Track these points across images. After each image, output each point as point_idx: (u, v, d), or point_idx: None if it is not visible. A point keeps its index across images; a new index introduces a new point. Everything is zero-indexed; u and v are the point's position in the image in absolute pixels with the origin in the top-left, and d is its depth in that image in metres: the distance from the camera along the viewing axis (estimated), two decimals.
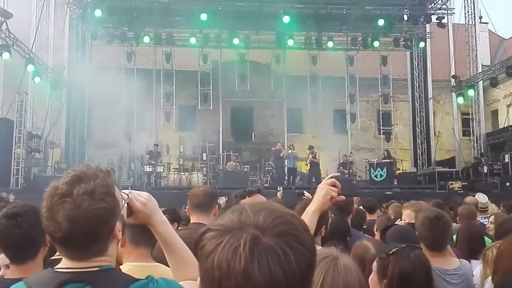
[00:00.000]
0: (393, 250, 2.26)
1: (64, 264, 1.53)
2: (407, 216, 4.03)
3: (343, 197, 1.92)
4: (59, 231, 1.44)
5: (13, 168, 17.42)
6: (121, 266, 1.77)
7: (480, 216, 5.81)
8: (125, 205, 1.63)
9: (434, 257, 3.03)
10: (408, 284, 2.18)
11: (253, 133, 27.51)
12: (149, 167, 18.59)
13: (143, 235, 2.27)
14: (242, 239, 0.87)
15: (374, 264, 2.33)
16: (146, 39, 22.46)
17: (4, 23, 15.87)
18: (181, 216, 5.21)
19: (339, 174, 2.06)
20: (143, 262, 2.40)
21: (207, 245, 0.90)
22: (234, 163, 20.52)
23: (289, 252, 0.87)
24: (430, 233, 3.08)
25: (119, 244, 1.70)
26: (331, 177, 2.08)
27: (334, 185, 2.00)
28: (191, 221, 3.45)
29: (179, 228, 4.34)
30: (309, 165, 19.84)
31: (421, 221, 3.20)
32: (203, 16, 20.40)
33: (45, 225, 1.47)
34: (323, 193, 2.02)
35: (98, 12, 20.10)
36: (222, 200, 6.20)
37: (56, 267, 1.55)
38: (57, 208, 1.43)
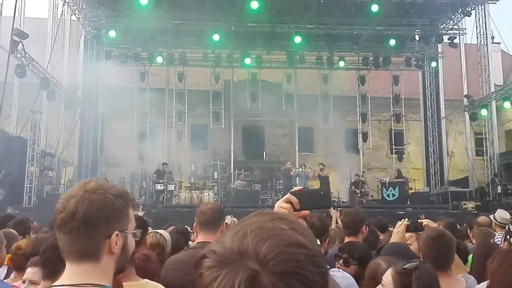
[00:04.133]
0: (413, 265, 2.25)
1: (61, 280, 1.53)
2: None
3: (306, 212, 1.67)
4: (64, 210, 1.51)
5: (26, 186, 17.56)
6: None
7: (499, 233, 5.75)
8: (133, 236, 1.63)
9: (441, 277, 2.96)
10: None
11: (264, 152, 27.53)
12: (160, 185, 18.63)
13: None
14: (238, 279, 0.82)
15: (389, 277, 2.31)
16: (159, 59, 22.82)
17: (20, 43, 16.16)
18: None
19: (301, 187, 1.79)
20: (131, 281, 2.37)
21: (204, 275, 0.86)
22: (241, 182, 20.53)
23: None
24: (434, 252, 3.04)
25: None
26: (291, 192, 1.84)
27: (290, 201, 1.73)
28: (198, 239, 3.42)
29: (185, 249, 4.33)
30: (318, 180, 19.83)
31: (424, 240, 3.17)
32: (216, 37, 20.64)
33: (56, 205, 1.55)
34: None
35: (112, 33, 20.47)
36: (228, 219, 6.17)
37: (53, 284, 1.55)
38: (74, 191, 1.55)
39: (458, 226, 6.25)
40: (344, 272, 2.96)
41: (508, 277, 1.69)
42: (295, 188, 1.78)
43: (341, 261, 3.50)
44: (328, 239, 3.32)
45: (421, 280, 2.18)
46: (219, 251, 0.87)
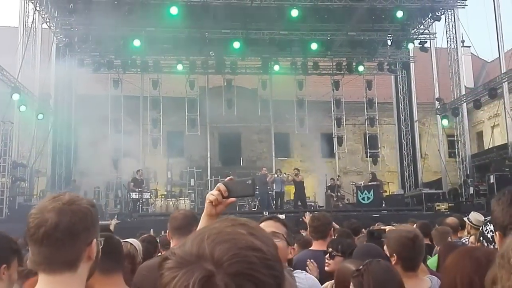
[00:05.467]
0: (362, 266, 2.29)
1: None
2: None
3: (233, 199, 1.87)
4: (45, 223, 1.53)
5: None
6: None
7: (465, 238, 5.86)
8: (99, 245, 1.68)
9: (409, 277, 3.02)
10: None
11: (241, 158, 27.55)
12: (135, 194, 18.44)
13: (113, 262, 2.25)
14: (193, 278, 0.87)
15: (352, 283, 2.35)
16: (133, 67, 22.64)
17: None
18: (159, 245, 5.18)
19: (232, 177, 1.97)
20: None
21: (164, 275, 0.91)
22: None
23: None
24: (409, 254, 3.04)
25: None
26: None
27: (220, 189, 1.91)
28: (171, 246, 3.43)
29: (158, 254, 4.30)
30: (294, 186, 19.94)
31: (400, 241, 3.11)
32: (190, 43, 20.60)
33: (31, 220, 1.56)
34: (206, 197, 1.97)
35: (84, 41, 20.25)
36: None
37: None
38: (49, 205, 1.56)
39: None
40: (307, 273, 3.04)
41: (453, 273, 1.77)
42: (227, 178, 1.94)
43: (327, 255, 3.68)
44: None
45: (371, 276, 2.22)
46: (179, 253, 0.92)
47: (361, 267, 2.31)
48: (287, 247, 2.59)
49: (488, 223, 2.60)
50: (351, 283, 2.35)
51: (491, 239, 2.51)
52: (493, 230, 2.43)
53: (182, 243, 0.95)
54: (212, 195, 1.87)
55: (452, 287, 1.78)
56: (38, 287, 1.57)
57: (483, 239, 2.63)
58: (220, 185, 1.87)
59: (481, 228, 2.74)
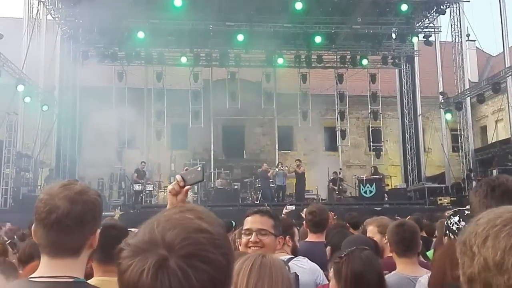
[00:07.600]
0: (345, 252, 2.33)
1: (38, 272, 1.62)
2: (370, 231, 4.22)
3: (188, 187, 2.01)
4: (57, 210, 1.59)
5: (2, 188, 17.31)
6: (88, 281, 1.85)
7: None
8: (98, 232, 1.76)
9: (405, 264, 3.29)
10: (360, 284, 2.22)
11: (244, 151, 27.59)
12: (138, 185, 18.55)
13: (111, 252, 2.28)
14: (147, 264, 0.93)
15: (331, 269, 2.39)
16: (137, 59, 22.66)
17: None
18: None
19: (187, 167, 2.12)
20: (111, 277, 2.41)
21: (122, 264, 0.98)
22: (222, 180, 20.56)
23: (191, 273, 0.93)
24: (397, 237, 3.35)
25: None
26: None
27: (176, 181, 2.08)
28: None
29: None
30: (295, 178, 19.99)
31: (389, 229, 3.50)
32: (194, 36, 20.60)
33: (42, 205, 1.62)
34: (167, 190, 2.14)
35: (89, 32, 20.29)
36: None
37: (31, 276, 1.63)
38: (60, 193, 1.63)
39: (425, 220, 6.48)
40: (309, 260, 3.18)
41: (442, 268, 1.81)
42: (184, 169, 2.03)
43: (329, 247, 3.81)
44: (294, 235, 3.64)
45: (349, 266, 2.25)
46: (133, 242, 0.99)
47: (343, 254, 2.34)
48: (275, 240, 2.68)
49: (452, 216, 2.64)
50: (331, 269, 2.39)
51: (456, 231, 2.54)
52: (458, 222, 2.48)
53: (136, 232, 1.02)
54: (171, 186, 2.02)
55: (441, 273, 1.82)
56: (41, 269, 1.63)
57: (449, 232, 2.66)
58: (177, 176, 2.03)
59: (446, 221, 2.77)
